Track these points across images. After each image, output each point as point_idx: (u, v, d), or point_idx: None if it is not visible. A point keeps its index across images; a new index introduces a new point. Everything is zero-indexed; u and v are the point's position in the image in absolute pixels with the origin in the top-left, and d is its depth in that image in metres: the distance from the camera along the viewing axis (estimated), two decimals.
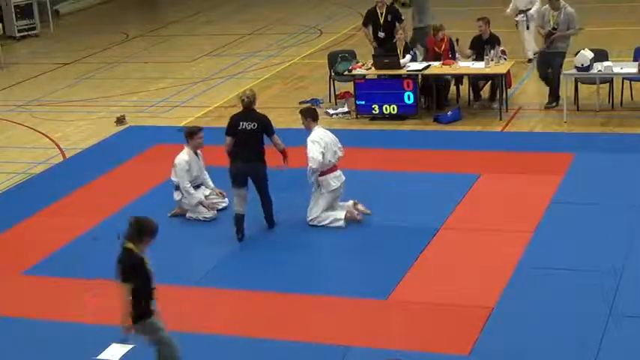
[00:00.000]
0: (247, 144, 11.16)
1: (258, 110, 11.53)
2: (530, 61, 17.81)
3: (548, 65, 15.25)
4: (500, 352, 8.51)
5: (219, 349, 8.70)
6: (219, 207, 12.08)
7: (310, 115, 11.51)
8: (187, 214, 11.96)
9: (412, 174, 12.92)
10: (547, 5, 15.46)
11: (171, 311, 9.77)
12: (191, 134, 11.98)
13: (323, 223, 11.41)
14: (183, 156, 11.89)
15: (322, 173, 11.34)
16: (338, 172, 11.49)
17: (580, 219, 11.10)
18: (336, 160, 11.47)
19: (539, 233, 10.81)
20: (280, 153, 11.40)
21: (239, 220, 11.18)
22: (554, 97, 15.24)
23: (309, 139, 11.34)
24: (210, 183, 12.23)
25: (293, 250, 10.94)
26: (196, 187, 11.97)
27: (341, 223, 11.40)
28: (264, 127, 11.23)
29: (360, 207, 11.60)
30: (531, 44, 17.82)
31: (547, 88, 15.43)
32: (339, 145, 11.53)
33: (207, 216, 11.86)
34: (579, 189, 11.98)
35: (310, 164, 11.25)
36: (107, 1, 29.79)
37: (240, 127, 11.19)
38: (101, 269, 10.72)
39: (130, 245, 7.71)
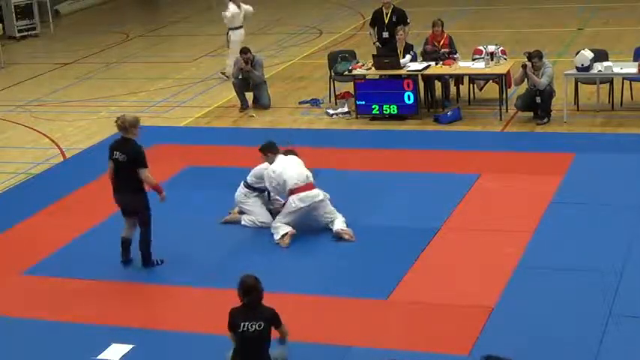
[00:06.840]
0: (121, 175, 10.49)
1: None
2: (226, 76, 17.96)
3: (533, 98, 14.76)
4: (500, 352, 8.48)
5: (219, 349, 8.68)
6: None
7: (268, 149, 11.25)
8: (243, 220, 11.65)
9: (412, 174, 12.90)
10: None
11: (172, 311, 9.81)
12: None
13: (273, 232, 11.14)
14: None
15: (291, 192, 11.00)
16: (303, 194, 10.93)
17: (580, 219, 11.10)
18: (302, 181, 10.96)
19: (539, 233, 10.80)
20: (154, 189, 10.59)
21: (124, 243, 10.68)
22: (545, 112, 14.88)
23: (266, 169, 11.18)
24: None
25: (293, 251, 10.92)
26: None
27: (277, 237, 10.98)
28: (134, 159, 10.37)
29: (346, 235, 10.96)
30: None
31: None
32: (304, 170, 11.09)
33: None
34: (579, 189, 11.97)
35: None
36: (107, 1, 29.79)
37: (113, 157, 10.51)
38: (101, 269, 10.76)
39: None
